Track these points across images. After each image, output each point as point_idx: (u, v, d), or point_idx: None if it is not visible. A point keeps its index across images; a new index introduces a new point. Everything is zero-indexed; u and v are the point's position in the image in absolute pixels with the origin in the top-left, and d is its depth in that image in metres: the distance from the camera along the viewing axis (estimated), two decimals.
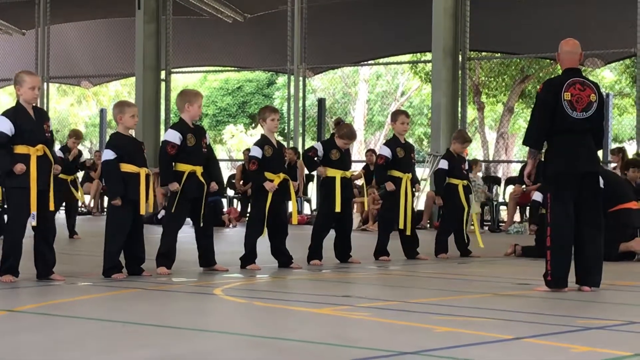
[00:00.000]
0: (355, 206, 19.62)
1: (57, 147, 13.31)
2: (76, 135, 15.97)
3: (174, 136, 10.11)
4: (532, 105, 9.18)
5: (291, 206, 11.70)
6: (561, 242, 8.75)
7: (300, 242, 12.10)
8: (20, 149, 8.95)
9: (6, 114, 9.05)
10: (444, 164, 12.98)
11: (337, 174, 11.55)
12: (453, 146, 13.13)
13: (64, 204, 15.26)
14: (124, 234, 9.64)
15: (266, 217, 10.74)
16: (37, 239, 9.15)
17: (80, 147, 15.98)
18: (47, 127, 9.15)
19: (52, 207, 9.11)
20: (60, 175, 15.23)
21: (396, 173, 12.18)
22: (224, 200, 22.12)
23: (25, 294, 8.48)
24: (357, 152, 35.64)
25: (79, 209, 16.80)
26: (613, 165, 18.01)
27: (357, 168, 22.16)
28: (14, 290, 8.57)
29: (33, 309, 7.42)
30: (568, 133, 8.82)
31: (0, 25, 28.09)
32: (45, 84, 26.16)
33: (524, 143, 9.14)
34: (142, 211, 9.72)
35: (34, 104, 9.16)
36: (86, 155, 15.91)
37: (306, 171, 21.94)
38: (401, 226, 12.18)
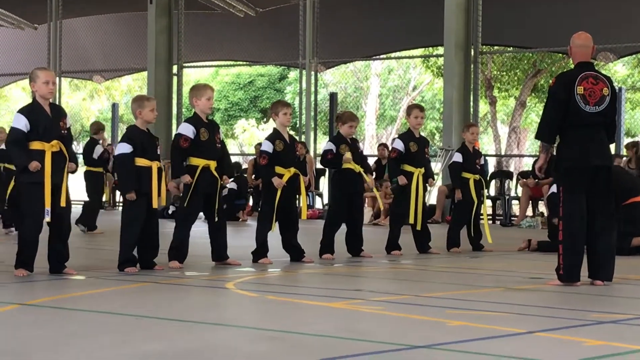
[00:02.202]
0: (366, 200, 19.64)
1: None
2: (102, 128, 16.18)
3: (187, 129, 10.12)
4: (545, 100, 9.16)
5: (301, 201, 11.68)
6: (573, 236, 8.73)
7: (312, 236, 12.10)
8: (35, 145, 8.98)
9: (22, 110, 9.10)
10: (458, 157, 12.96)
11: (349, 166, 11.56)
12: (464, 137, 13.15)
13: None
14: (138, 228, 9.65)
15: (276, 211, 10.74)
16: (51, 234, 9.18)
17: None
18: (64, 123, 9.16)
19: (62, 203, 9.11)
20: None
21: (408, 167, 12.16)
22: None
23: (37, 287, 8.51)
24: (369, 146, 35.62)
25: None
26: (625, 159, 17.99)
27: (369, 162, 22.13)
28: (27, 284, 8.60)
29: (45, 303, 7.44)
30: (580, 127, 8.80)
31: (13, 20, 28.15)
32: (57, 78, 26.19)
33: (537, 137, 9.12)
34: (155, 204, 9.73)
35: (50, 99, 9.18)
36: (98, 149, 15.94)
37: (318, 165, 21.98)
38: (411, 221, 12.18)
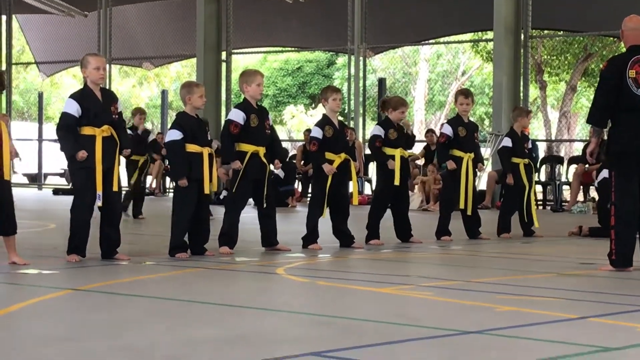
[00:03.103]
0: (416, 186, 19.61)
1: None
2: (140, 112, 16.17)
3: (237, 115, 10.13)
4: (596, 84, 9.08)
5: (352, 186, 11.68)
6: (625, 221, 8.65)
7: (361, 222, 12.08)
8: (86, 130, 9.06)
9: (73, 96, 9.17)
10: (507, 142, 12.87)
11: (395, 152, 11.49)
12: (519, 122, 12.98)
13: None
14: (189, 214, 9.69)
15: (326, 197, 10.75)
16: (102, 219, 9.26)
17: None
18: (115, 108, 9.22)
19: (115, 188, 9.19)
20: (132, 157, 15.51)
21: (457, 152, 12.11)
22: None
23: (90, 273, 8.58)
24: (418, 131, 35.51)
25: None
26: None
27: (417, 148, 22.10)
28: (80, 270, 8.68)
29: (98, 288, 7.50)
30: (632, 111, 8.70)
31: (63, 8, 28.36)
32: (107, 65, 26.34)
33: (588, 121, 9.04)
34: (207, 190, 9.76)
35: (101, 85, 9.24)
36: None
37: (367, 151, 21.95)
38: (462, 206, 12.13)
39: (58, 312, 6.39)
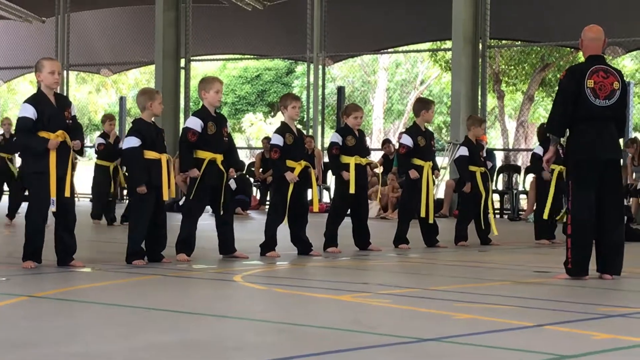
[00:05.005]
0: (375, 194, 19.63)
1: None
2: (109, 118, 16.00)
3: (195, 123, 10.10)
4: (553, 94, 9.15)
5: (312, 194, 11.68)
6: (582, 230, 8.71)
7: (319, 229, 12.08)
8: (41, 135, 8.97)
9: (28, 100, 9.10)
10: (464, 151, 12.92)
11: (351, 160, 11.51)
12: (473, 131, 13.05)
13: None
14: (147, 221, 9.64)
15: (287, 204, 10.73)
16: (57, 225, 9.19)
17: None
18: (69, 113, 9.16)
19: (67, 194, 9.09)
20: (103, 163, 15.48)
21: (418, 161, 12.13)
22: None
23: (45, 279, 8.51)
24: (377, 140, 35.59)
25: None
26: (629, 156, 18.04)
27: (376, 156, 22.14)
28: (35, 276, 8.60)
29: (53, 295, 7.45)
30: (590, 120, 8.77)
31: (20, 13, 28.16)
32: (65, 71, 26.18)
33: (546, 130, 9.09)
34: (165, 197, 9.72)
35: (55, 90, 9.17)
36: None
37: (325, 159, 21.97)
38: (423, 214, 12.14)
39: (13, 319, 6.33)
